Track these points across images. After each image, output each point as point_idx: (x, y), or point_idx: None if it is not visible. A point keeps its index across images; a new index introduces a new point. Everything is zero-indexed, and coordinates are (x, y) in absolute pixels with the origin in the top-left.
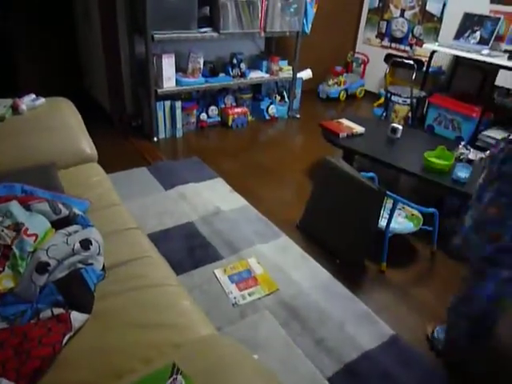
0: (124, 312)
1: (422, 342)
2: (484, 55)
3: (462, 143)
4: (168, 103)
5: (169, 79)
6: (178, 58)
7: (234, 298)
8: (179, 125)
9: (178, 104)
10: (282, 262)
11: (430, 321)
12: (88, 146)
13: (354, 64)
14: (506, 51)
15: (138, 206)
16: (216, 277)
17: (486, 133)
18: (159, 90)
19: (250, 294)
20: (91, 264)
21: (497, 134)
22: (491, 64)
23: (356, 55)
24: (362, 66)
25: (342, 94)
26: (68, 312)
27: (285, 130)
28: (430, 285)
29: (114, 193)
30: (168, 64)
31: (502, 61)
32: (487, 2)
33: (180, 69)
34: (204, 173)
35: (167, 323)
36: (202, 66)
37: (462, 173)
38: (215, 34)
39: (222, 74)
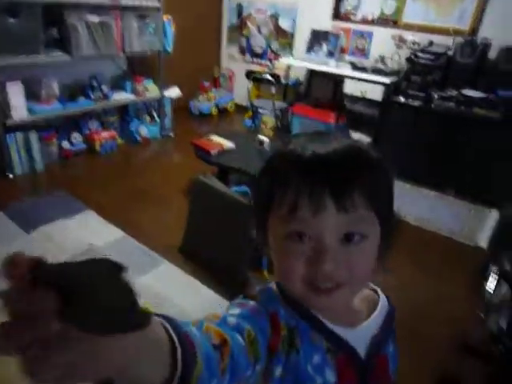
0: None
1: None
2: (332, 66)
3: None
4: (21, 134)
5: (18, 108)
6: (29, 85)
7: None
8: (37, 157)
9: (34, 134)
10: (166, 291)
11: None
12: None
13: (222, 79)
14: (350, 62)
15: None
16: None
17: None
18: (8, 121)
19: None
20: None
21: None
22: (339, 74)
23: (222, 70)
24: (229, 80)
25: (213, 109)
26: None
27: (158, 151)
28: None
29: None
30: (14, 92)
31: (347, 71)
32: (329, 19)
33: (33, 96)
34: (72, 207)
35: None
36: (57, 91)
37: None
38: (67, 58)
39: (81, 98)
